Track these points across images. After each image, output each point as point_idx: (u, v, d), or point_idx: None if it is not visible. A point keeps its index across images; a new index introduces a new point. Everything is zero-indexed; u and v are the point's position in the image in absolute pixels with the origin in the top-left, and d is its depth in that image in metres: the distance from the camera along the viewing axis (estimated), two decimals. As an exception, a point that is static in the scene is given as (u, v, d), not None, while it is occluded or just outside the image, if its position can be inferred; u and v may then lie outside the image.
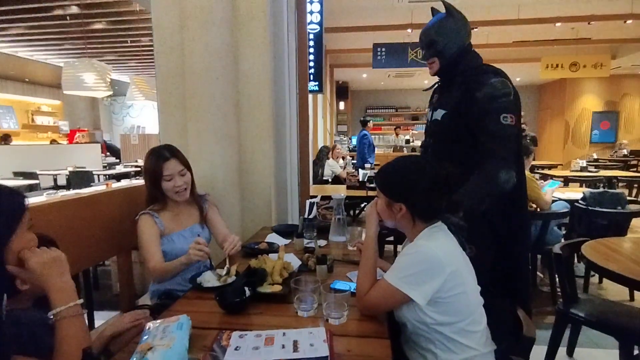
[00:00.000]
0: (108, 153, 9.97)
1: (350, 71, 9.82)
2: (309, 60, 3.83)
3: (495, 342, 1.09)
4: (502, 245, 1.50)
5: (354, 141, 9.98)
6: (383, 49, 6.46)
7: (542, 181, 3.36)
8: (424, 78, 10.75)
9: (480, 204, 1.35)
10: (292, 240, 1.86)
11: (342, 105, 11.35)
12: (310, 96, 5.21)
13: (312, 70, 3.86)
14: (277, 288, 1.23)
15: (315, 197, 2.58)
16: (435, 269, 0.96)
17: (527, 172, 2.67)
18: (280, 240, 1.88)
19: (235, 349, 0.90)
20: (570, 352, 2.08)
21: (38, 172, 6.23)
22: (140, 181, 3.24)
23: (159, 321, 0.93)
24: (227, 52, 2.23)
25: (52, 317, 0.75)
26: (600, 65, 7.13)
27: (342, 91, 11.25)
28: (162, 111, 2.42)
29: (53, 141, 8.97)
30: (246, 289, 1.16)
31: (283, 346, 0.91)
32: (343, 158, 5.90)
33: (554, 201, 2.91)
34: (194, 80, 2.18)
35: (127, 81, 8.72)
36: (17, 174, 6.19)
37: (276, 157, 2.61)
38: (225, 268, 1.33)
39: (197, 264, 1.51)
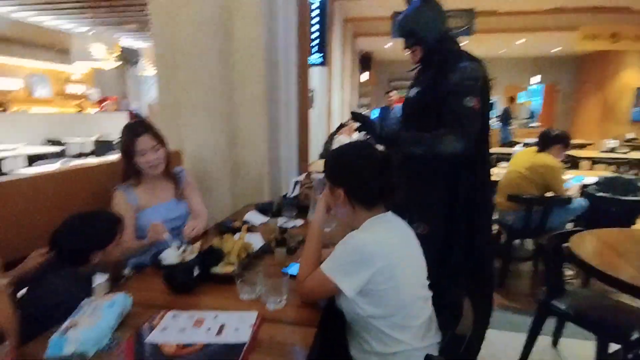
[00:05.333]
0: (134, 122, 10.29)
1: (373, 40, 9.43)
2: (312, 32, 3.69)
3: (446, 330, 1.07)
4: (457, 226, 1.51)
5: (376, 114, 9.70)
6: (404, 17, 6.12)
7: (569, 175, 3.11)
8: (453, 48, 10.18)
9: (412, 146, 1.47)
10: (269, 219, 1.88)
11: (365, 76, 10.99)
12: (322, 69, 5.08)
13: (316, 42, 3.73)
14: (230, 269, 1.26)
15: (307, 174, 2.57)
16: (365, 261, 0.94)
17: (556, 162, 2.55)
18: (259, 219, 1.91)
19: (163, 329, 0.93)
20: (555, 343, 2.04)
21: (66, 140, 6.53)
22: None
23: (94, 298, 0.98)
24: (217, 25, 2.19)
25: None
26: (643, 37, 6.45)
27: (365, 61, 10.86)
28: (158, 84, 2.43)
29: (80, 108, 9.33)
30: (195, 268, 1.19)
31: (209, 329, 0.93)
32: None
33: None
34: (183, 53, 2.16)
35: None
36: (49, 141, 6.53)
37: (270, 132, 2.59)
38: (184, 246, 1.37)
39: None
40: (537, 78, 11.25)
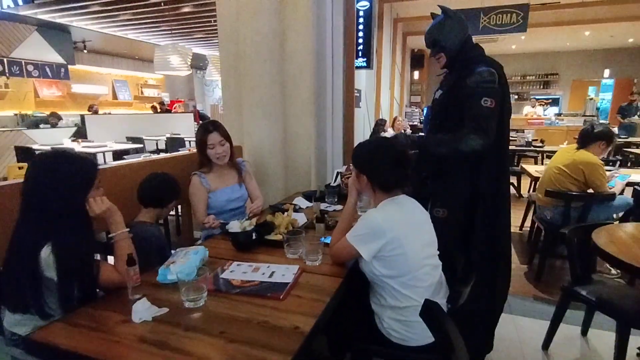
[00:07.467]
0: (200, 121, 11.27)
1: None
2: (357, 38, 3.95)
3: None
4: (478, 212, 1.70)
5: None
6: (455, 16, 6.11)
7: (615, 172, 3.03)
8: (512, 43, 9.79)
9: (437, 147, 1.68)
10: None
11: (416, 74, 10.96)
12: (369, 71, 5.29)
13: (360, 47, 3.98)
14: (279, 237, 1.58)
15: (347, 166, 2.83)
16: (377, 234, 1.20)
17: (596, 159, 2.59)
18: (305, 203, 2.23)
19: (231, 271, 1.28)
20: (584, 333, 2.11)
21: (144, 138, 7.42)
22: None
23: (185, 248, 1.35)
24: (273, 37, 2.54)
25: (112, 239, 1.19)
26: None
27: (417, 60, 10.83)
28: (223, 89, 2.87)
29: (153, 107, 10.42)
30: (254, 234, 1.53)
31: (263, 273, 1.26)
32: (404, 130, 5.93)
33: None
34: (245, 63, 2.55)
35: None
36: (129, 139, 7.47)
37: (317, 129, 2.90)
38: (245, 221, 1.72)
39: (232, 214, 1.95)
40: (606, 72, 10.41)
